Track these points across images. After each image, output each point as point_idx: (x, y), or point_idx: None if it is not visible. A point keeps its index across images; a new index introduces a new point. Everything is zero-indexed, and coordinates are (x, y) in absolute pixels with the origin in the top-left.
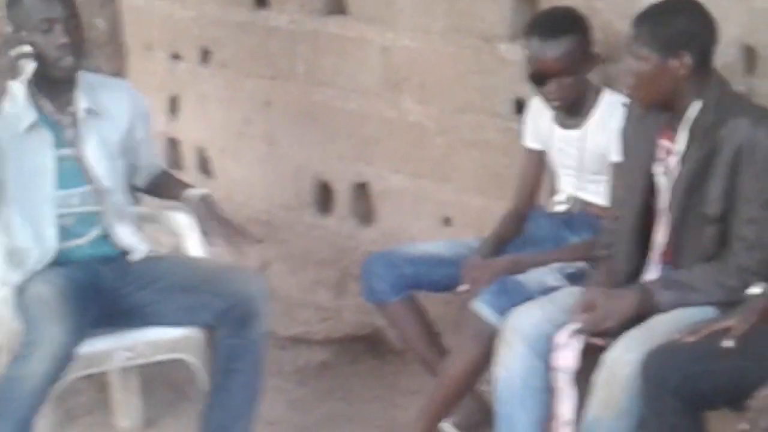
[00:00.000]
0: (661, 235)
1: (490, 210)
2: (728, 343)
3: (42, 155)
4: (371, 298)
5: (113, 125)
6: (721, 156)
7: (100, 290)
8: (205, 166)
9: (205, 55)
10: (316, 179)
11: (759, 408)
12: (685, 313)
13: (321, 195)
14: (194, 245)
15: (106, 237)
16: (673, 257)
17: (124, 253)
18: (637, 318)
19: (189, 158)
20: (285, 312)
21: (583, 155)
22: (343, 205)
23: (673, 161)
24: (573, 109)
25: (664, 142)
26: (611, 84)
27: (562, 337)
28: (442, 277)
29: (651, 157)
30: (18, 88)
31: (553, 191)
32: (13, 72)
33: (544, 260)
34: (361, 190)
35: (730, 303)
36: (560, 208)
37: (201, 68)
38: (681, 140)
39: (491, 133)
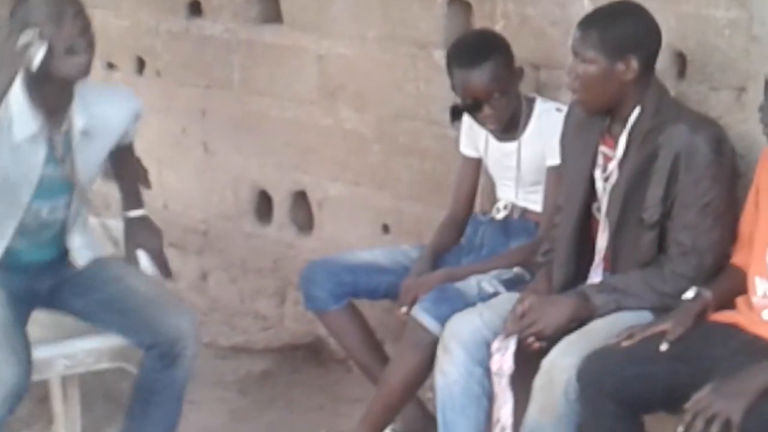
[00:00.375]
0: (601, 241)
1: (428, 217)
2: (663, 346)
3: (30, 168)
4: (311, 307)
5: (107, 139)
6: (659, 162)
7: (36, 296)
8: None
9: (140, 65)
10: (255, 188)
11: (695, 410)
12: (623, 317)
13: (260, 204)
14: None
15: (53, 238)
16: (611, 263)
17: (64, 255)
18: (577, 323)
19: None
20: (225, 321)
21: (520, 166)
22: (282, 214)
23: (612, 166)
24: (507, 124)
25: (604, 148)
26: (544, 91)
27: (497, 342)
28: (381, 284)
29: (591, 163)
30: (15, 93)
31: (491, 198)
32: (19, 60)
33: (479, 270)
34: (300, 198)
35: (665, 308)
36: (499, 215)
37: (136, 78)
38: (620, 146)
39: (428, 141)
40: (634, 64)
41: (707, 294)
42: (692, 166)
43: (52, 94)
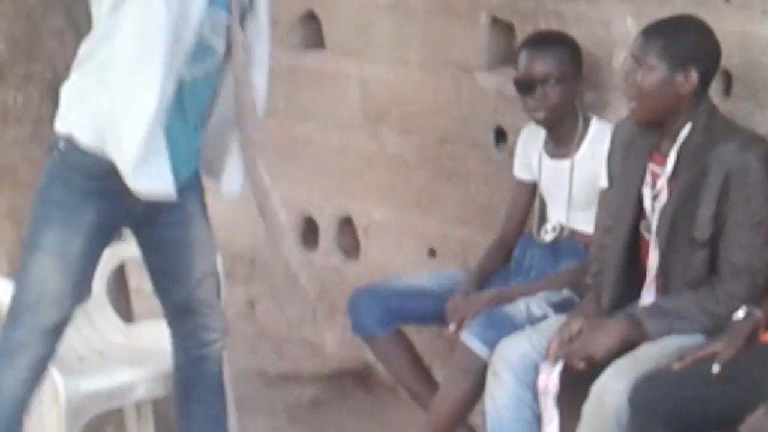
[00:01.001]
0: (652, 260)
1: (474, 241)
2: (715, 368)
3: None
4: (359, 333)
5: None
6: (709, 179)
7: (130, 215)
8: None
9: None
10: (301, 214)
11: None
12: (673, 340)
13: (306, 230)
14: None
15: (195, 132)
16: (661, 282)
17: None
18: (627, 347)
19: None
20: (274, 349)
21: (572, 185)
22: (328, 240)
23: (662, 184)
24: (562, 138)
25: (653, 166)
26: (589, 112)
27: (545, 363)
28: (428, 309)
29: (640, 181)
30: None
31: (541, 220)
32: None
33: (528, 292)
34: (346, 223)
35: (717, 329)
36: (548, 237)
37: None
38: (669, 163)
39: (473, 164)
40: (694, 76)
41: (758, 313)
42: (744, 184)
43: None
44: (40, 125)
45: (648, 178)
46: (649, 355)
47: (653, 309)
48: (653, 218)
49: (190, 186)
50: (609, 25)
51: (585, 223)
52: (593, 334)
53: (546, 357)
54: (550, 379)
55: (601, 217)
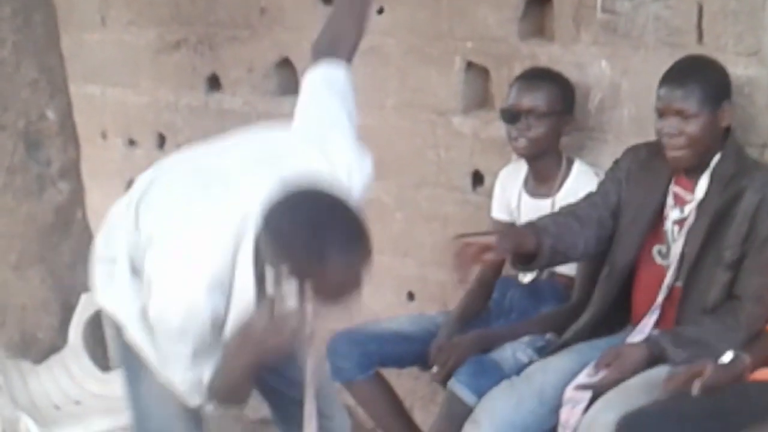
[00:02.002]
0: (666, 282)
1: (452, 284)
2: (695, 389)
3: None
4: (338, 377)
5: None
6: (743, 203)
7: None
8: None
9: (161, 140)
10: None
11: None
12: (660, 371)
13: None
14: None
15: None
16: (679, 303)
17: None
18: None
19: None
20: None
21: None
22: None
23: (691, 208)
24: (543, 177)
25: (678, 189)
26: (567, 152)
27: (570, 390)
28: (408, 353)
29: (661, 203)
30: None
31: None
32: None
33: (512, 334)
34: None
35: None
36: (527, 278)
37: (158, 153)
38: (701, 188)
39: (450, 207)
40: (729, 108)
41: (745, 358)
42: None
43: None
44: (14, 175)
45: (670, 200)
46: (637, 387)
47: (676, 337)
48: (677, 240)
49: None
50: (583, 68)
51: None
52: (620, 362)
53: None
54: (573, 413)
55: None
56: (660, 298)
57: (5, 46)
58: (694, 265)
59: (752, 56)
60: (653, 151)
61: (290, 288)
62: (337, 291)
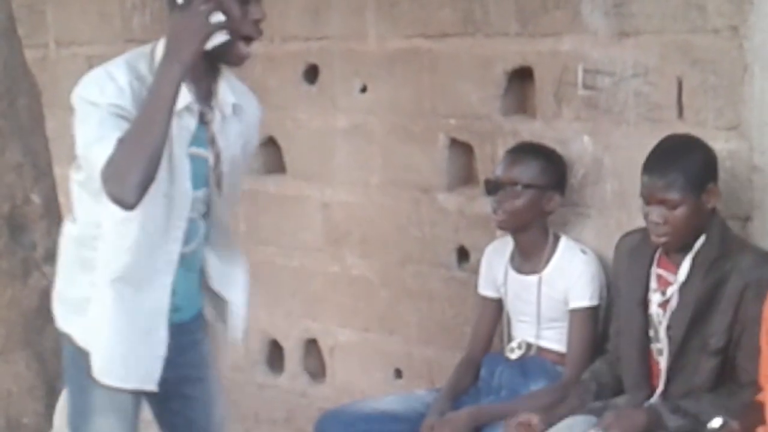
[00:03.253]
0: (663, 365)
1: (439, 360)
2: None
3: (179, 145)
4: None
5: (249, 132)
6: (727, 289)
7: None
8: None
9: None
10: (265, 338)
11: None
12: None
13: (271, 353)
14: None
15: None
16: (665, 385)
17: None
18: None
19: None
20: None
21: (540, 301)
22: (293, 363)
23: (673, 290)
24: (529, 253)
25: (660, 271)
26: (564, 228)
27: None
28: None
29: (646, 285)
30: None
31: (507, 337)
32: (204, 38)
33: (504, 411)
34: (311, 346)
35: None
36: (515, 354)
37: None
38: (683, 271)
39: (435, 284)
40: (716, 189)
41: (734, 425)
42: (762, 296)
43: (204, 69)
44: None
45: (654, 283)
46: None
47: (675, 407)
48: (662, 322)
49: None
50: (565, 143)
51: (553, 340)
52: (620, 423)
53: None
54: None
55: (574, 339)
56: (661, 385)
57: None
58: (679, 350)
59: (732, 130)
60: (645, 236)
61: None
62: None
